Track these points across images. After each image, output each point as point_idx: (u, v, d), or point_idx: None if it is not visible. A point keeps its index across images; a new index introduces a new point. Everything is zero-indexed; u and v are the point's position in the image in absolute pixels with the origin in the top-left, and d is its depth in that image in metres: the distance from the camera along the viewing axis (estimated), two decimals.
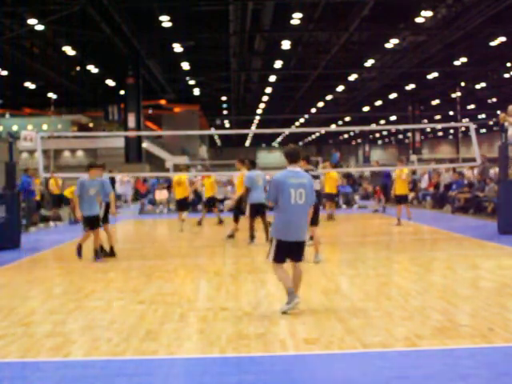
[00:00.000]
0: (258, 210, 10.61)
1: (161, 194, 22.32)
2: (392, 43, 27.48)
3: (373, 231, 13.39)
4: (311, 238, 9.88)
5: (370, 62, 31.63)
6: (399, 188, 13.97)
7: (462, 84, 41.43)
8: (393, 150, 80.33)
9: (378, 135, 75.79)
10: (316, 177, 8.80)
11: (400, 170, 14.08)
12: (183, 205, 14.39)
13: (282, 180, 5.51)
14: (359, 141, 73.61)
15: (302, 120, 57.73)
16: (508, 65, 34.40)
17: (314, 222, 8.37)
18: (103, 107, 40.52)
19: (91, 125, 49.86)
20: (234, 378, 3.78)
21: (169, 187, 23.17)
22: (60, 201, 17.00)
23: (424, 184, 22.40)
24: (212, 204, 15.59)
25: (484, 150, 56.01)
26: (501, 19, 24.45)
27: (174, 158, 42.47)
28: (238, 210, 11.70)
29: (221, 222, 15.28)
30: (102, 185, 9.34)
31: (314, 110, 51.43)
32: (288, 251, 5.58)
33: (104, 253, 9.51)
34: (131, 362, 4.18)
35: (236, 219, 11.65)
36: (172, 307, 5.81)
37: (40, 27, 23.87)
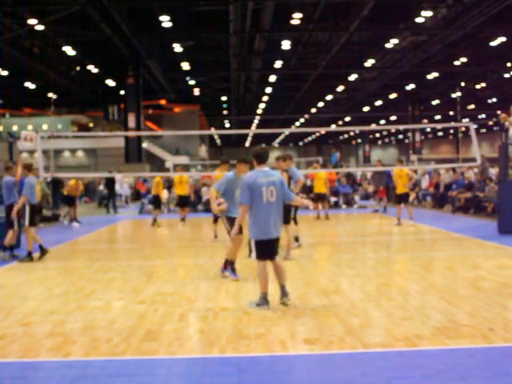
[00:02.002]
0: None
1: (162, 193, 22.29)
2: (392, 43, 27.46)
3: (373, 231, 13.39)
4: (296, 239, 9.97)
5: (369, 62, 31.62)
6: (400, 188, 14.01)
7: (462, 84, 41.42)
8: (393, 150, 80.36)
9: (378, 135, 75.78)
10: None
11: (400, 170, 14.10)
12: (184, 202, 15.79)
13: (252, 181, 5.69)
14: (359, 141, 73.60)
15: (302, 120, 57.74)
16: (508, 65, 34.38)
17: (286, 220, 8.47)
18: (103, 107, 40.54)
19: (91, 125, 49.86)
20: (234, 378, 3.78)
21: (169, 187, 23.18)
22: (73, 200, 16.99)
23: (424, 184, 22.41)
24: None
25: (484, 150, 56.04)
26: (501, 19, 24.45)
27: (174, 158, 42.51)
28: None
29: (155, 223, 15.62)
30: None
31: (314, 110, 51.44)
32: (267, 249, 5.76)
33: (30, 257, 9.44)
34: (131, 362, 4.19)
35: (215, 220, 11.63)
36: (172, 307, 5.81)
37: (40, 27, 23.86)
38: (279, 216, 5.83)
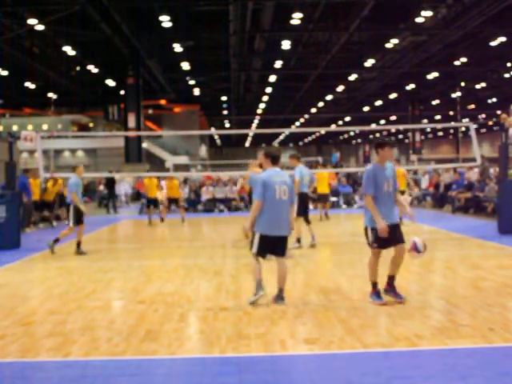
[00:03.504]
0: None
1: (161, 194, 22.29)
2: (392, 43, 27.45)
3: None
4: (298, 240, 10.02)
5: (370, 62, 31.60)
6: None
7: (462, 84, 41.42)
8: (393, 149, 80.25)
9: (378, 135, 75.74)
10: None
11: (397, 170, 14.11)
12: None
13: (267, 179, 5.88)
14: (359, 141, 73.61)
15: (302, 120, 57.75)
16: (508, 65, 34.37)
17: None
18: (103, 107, 40.53)
19: (91, 125, 49.88)
20: (233, 378, 3.78)
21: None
22: (60, 201, 16.98)
23: (424, 184, 22.40)
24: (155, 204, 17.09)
25: (485, 150, 56.05)
26: (501, 19, 24.43)
27: (174, 158, 42.53)
28: None
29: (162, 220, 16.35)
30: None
31: (314, 110, 51.44)
32: (271, 246, 5.86)
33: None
34: (131, 362, 4.19)
35: None
36: (172, 307, 5.81)
37: (40, 27, 23.84)
38: (288, 215, 5.96)
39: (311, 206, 18.80)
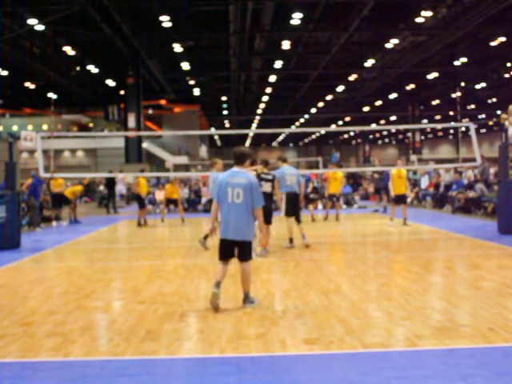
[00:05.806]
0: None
1: (161, 194, 22.30)
2: (392, 43, 27.49)
3: (373, 231, 13.38)
4: (291, 240, 10.11)
5: (370, 62, 31.64)
6: (398, 188, 13.85)
7: (462, 84, 41.46)
8: (393, 150, 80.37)
9: (378, 135, 75.82)
10: (269, 180, 9.29)
11: (398, 170, 13.97)
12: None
13: (221, 180, 5.80)
14: (359, 141, 73.66)
15: (302, 120, 57.76)
16: (508, 65, 34.42)
17: (267, 221, 8.88)
18: (103, 107, 40.57)
19: (91, 125, 49.91)
20: (234, 378, 3.78)
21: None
22: (60, 200, 17.01)
23: (424, 184, 22.40)
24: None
25: (484, 150, 56.06)
26: (501, 19, 24.48)
27: (173, 158, 42.53)
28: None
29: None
30: None
31: (314, 110, 51.45)
32: (230, 250, 5.74)
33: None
34: (131, 362, 4.18)
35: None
36: (172, 307, 5.81)
37: (40, 27, 23.88)
38: (244, 219, 5.67)
39: (320, 206, 18.62)
